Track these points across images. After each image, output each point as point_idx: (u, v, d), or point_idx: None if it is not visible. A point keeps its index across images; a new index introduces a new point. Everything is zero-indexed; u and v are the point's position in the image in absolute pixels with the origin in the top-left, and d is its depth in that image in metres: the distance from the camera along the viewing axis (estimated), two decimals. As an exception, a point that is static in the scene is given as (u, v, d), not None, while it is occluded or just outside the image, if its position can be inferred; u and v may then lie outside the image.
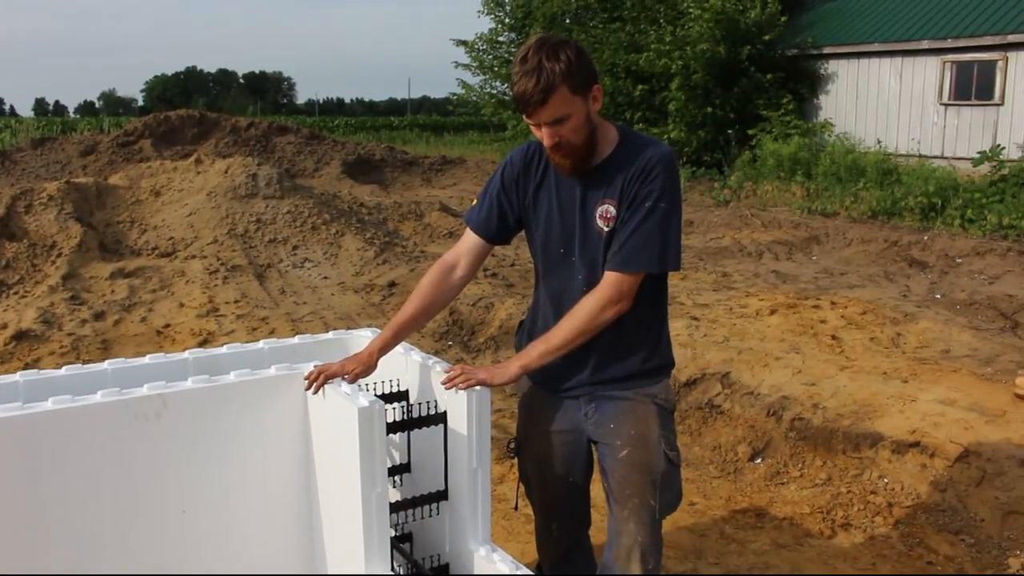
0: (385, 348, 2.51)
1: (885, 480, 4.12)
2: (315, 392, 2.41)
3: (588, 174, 2.36)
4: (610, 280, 2.31)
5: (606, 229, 2.34)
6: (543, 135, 2.27)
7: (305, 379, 2.44)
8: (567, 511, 2.68)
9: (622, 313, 2.32)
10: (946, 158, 14.35)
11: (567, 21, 21.97)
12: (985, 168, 12.14)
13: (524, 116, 2.26)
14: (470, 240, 2.55)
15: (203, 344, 6.15)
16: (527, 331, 2.62)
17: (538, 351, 2.35)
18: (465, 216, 2.62)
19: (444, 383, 2.34)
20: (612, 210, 2.33)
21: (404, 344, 2.72)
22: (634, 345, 2.44)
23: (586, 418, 2.50)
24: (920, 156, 14.52)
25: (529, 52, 2.19)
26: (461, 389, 2.31)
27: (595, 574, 2.61)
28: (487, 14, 23.82)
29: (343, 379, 2.39)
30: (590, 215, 2.38)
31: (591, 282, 2.40)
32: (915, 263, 8.63)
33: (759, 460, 4.51)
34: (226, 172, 9.94)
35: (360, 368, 2.43)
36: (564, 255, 2.45)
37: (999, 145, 12.84)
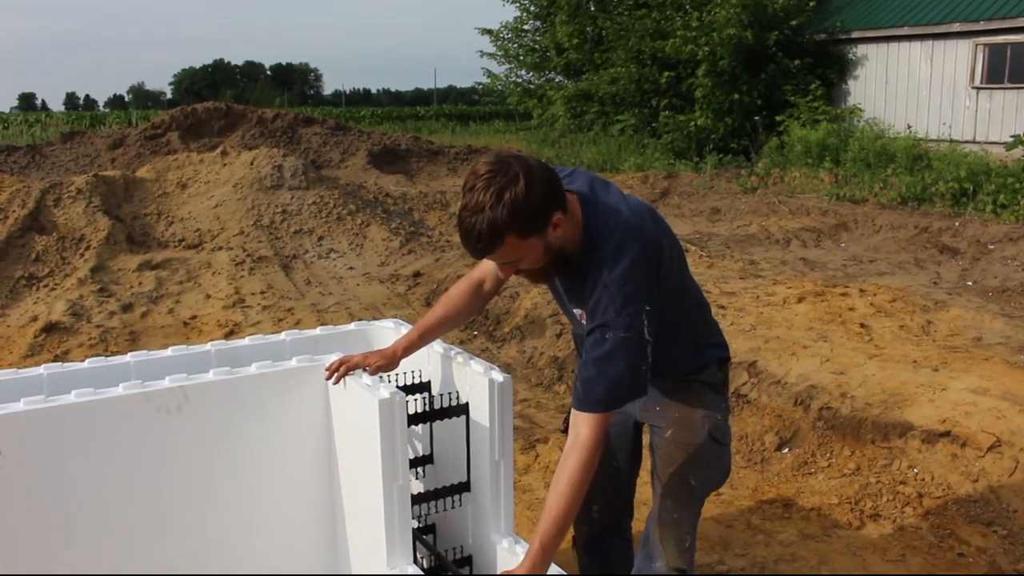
0: (410, 348, 2.49)
1: (915, 470, 4.06)
2: (335, 383, 2.40)
3: (562, 276, 2.25)
4: (581, 421, 2.11)
5: (586, 326, 2.19)
6: (499, 269, 2.18)
7: (326, 369, 2.44)
8: (609, 494, 2.64)
9: (600, 445, 2.11)
10: (978, 143, 14.13)
11: (592, 8, 21.84)
12: (1018, 152, 11.93)
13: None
14: (486, 265, 2.48)
15: (229, 335, 6.19)
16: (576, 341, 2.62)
17: (552, 545, 2.06)
18: None
19: None
20: (584, 314, 2.20)
21: (425, 335, 2.71)
22: (672, 354, 2.35)
23: (634, 401, 2.45)
24: (951, 141, 14.31)
25: (476, 186, 1.98)
26: None
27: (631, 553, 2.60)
28: (512, 2, 23.75)
29: (364, 371, 2.38)
30: (571, 309, 2.30)
31: None
32: (946, 249, 8.51)
33: (786, 450, 4.46)
34: (252, 164, 9.98)
35: (383, 362, 2.42)
36: (574, 320, 2.38)
37: (1033, 129, 12.63)
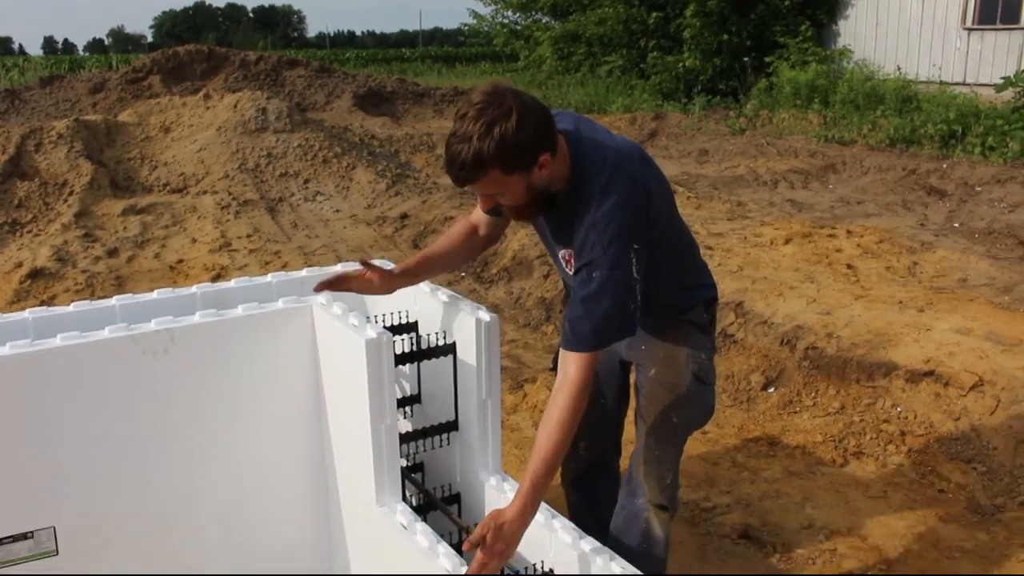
0: (406, 274, 2.42)
1: (898, 409, 4.11)
2: (317, 291, 2.32)
3: (548, 215, 2.22)
4: (569, 361, 2.10)
5: (570, 272, 2.22)
6: (478, 200, 2.16)
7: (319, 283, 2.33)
8: (596, 432, 2.65)
9: (589, 384, 2.12)
10: (968, 84, 14.05)
11: (579, -53, 21.46)
12: (1009, 94, 11.88)
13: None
14: (480, 213, 2.47)
15: (216, 279, 6.17)
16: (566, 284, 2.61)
17: (543, 483, 2.07)
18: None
19: None
20: (570, 258, 2.20)
21: (413, 275, 2.70)
22: (660, 294, 2.34)
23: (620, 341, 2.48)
24: (941, 83, 14.22)
25: (468, 114, 1.96)
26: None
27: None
28: (498, -59, 23.28)
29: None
30: (556, 252, 2.30)
31: None
32: (933, 191, 8.51)
33: (772, 389, 4.51)
34: (235, 107, 9.85)
35: (375, 277, 2.36)
36: (559, 263, 2.38)
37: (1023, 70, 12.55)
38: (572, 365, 2.10)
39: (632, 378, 2.59)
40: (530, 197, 2.10)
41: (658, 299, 2.32)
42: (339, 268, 2.92)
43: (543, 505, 2.23)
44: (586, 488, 2.75)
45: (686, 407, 2.41)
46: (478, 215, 2.48)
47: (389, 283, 2.39)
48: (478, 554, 1.97)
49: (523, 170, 2.02)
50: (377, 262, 2.89)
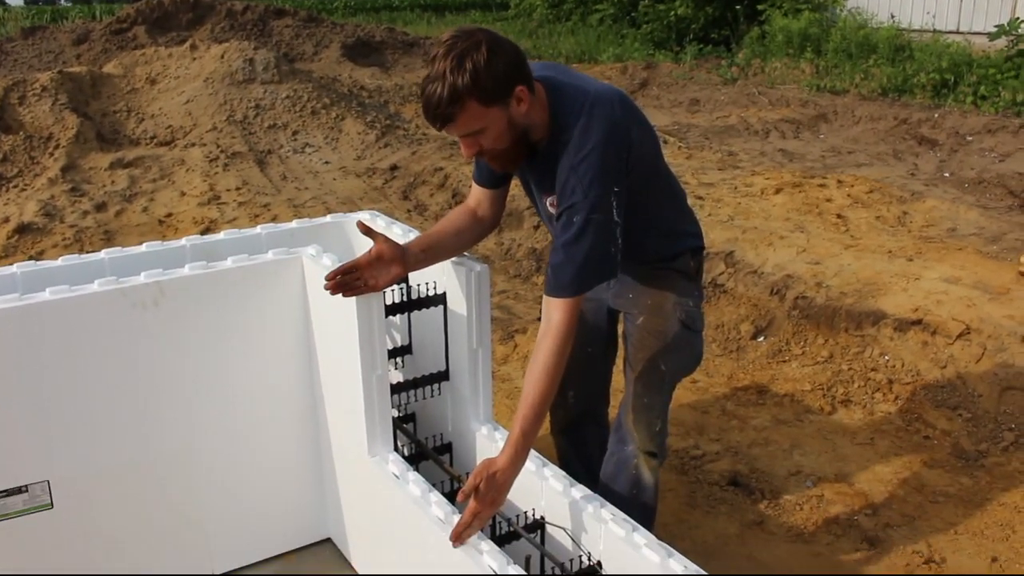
0: (413, 249, 2.31)
1: (886, 357, 4.15)
2: (333, 293, 2.22)
3: (531, 162, 2.22)
4: (552, 307, 2.11)
5: (555, 216, 2.19)
6: (461, 147, 2.11)
7: (326, 279, 2.22)
8: (584, 381, 2.67)
9: (573, 329, 2.12)
10: (962, 33, 13.93)
11: None
12: (1002, 42, 11.80)
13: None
14: (478, 189, 2.45)
15: (206, 232, 6.14)
16: None
17: (532, 431, 2.08)
18: (473, 176, 2.49)
19: (454, 542, 1.99)
20: (554, 205, 2.20)
21: (403, 226, 2.71)
22: (646, 242, 2.34)
23: (607, 288, 2.48)
24: (935, 31, 14.10)
25: (438, 54, 1.97)
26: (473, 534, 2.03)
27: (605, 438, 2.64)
28: None
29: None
30: (542, 199, 2.29)
31: None
32: (924, 141, 8.49)
33: (761, 338, 4.54)
34: (222, 58, 9.73)
35: (384, 250, 2.24)
36: (543, 212, 2.37)
37: (1018, 18, 12.44)
38: (556, 311, 2.10)
39: (620, 328, 2.60)
40: (512, 138, 2.09)
41: (644, 246, 2.33)
42: (328, 219, 2.91)
43: (533, 453, 2.25)
44: (575, 437, 2.77)
45: (674, 354, 2.42)
46: (475, 196, 2.45)
47: (401, 266, 2.28)
48: (471, 503, 1.99)
49: (500, 102, 2.01)
50: (366, 214, 2.89)
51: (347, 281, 2.19)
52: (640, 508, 2.46)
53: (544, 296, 2.15)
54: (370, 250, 2.22)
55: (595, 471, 2.62)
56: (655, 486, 2.50)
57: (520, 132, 2.10)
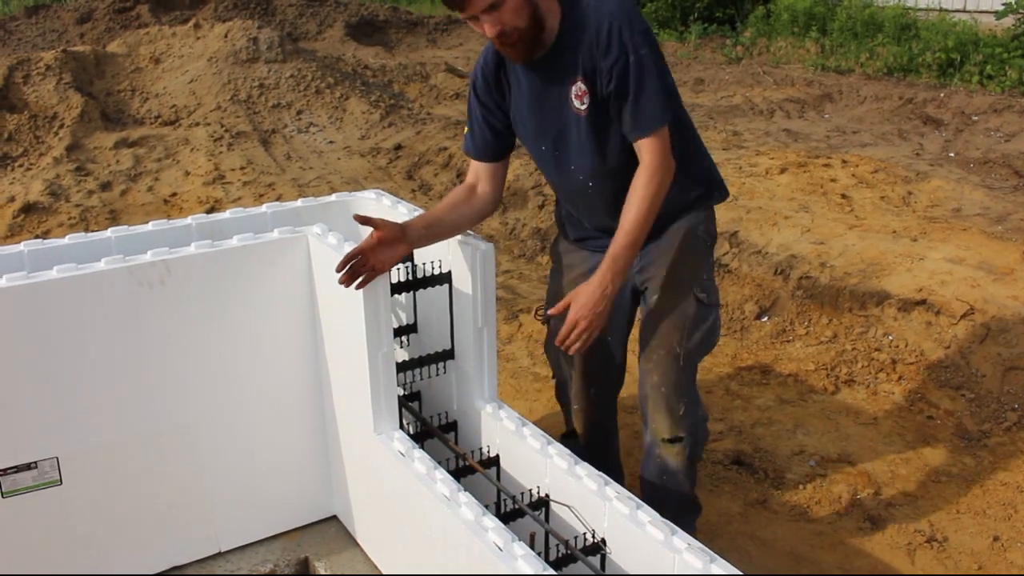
0: (416, 224, 2.32)
1: (890, 337, 4.15)
2: (347, 286, 2.22)
3: (546, 59, 2.24)
4: (644, 149, 2.18)
5: (583, 108, 2.24)
6: (484, 27, 2.12)
7: (338, 272, 2.21)
8: (605, 373, 2.66)
9: (670, 162, 2.20)
10: (968, 12, 13.83)
11: None
12: (1008, 21, 11.71)
13: (460, 13, 2.11)
14: (477, 167, 2.47)
15: (210, 211, 6.14)
16: (566, 221, 2.62)
17: (623, 254, 2.20)
18: (463, 148, 2.52)
19: (561, 345, 2.23)
20: (583, 87, 2.21)
21: (408, 205, 2.71)
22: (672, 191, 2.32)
23: (633, 270, 2.46)
24: (941, 10, 14.00)
25: None
26: (581, 347, 2.24)
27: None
28: None
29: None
30: (564, 101, 2.27)
31: (592, 169, 2.33)
32: (930, 121, 8.45)
33: (765, 318, 4.54)
34: (226, 36, 9.69)
35: (387, 233, 2.24)
36: (551, 152, 2.38)
37: (1025, -4, 12.35)
38: (647, 152, 2.14)
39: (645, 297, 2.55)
40: (528, 15, 2.13)
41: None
42: (333, 198, 2.92)
43: (538, 431, 2.27)
44: (597, 437, 2.77)
45: (690, 334, 2.40)
46: (473, 173, 2.48)
47: (404, 244, 2.28)
48: (571, 311, 2.19)
49: None
50: (371, 193, 2.89)
51: (354, 268, 2.19)
52: (671, 495, 2.44)
53: (639, 144, 2.18)
54: (370, 235, 2.22)
55: (620, 471, 2.72)
56: (683, 472, 2.46)
57: (535, 13, 2.15)
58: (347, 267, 2.18)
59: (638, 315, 2.59)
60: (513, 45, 2.17)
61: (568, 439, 2.81)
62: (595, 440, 2.77)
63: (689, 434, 2.43)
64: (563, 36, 2.20)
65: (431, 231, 2.35)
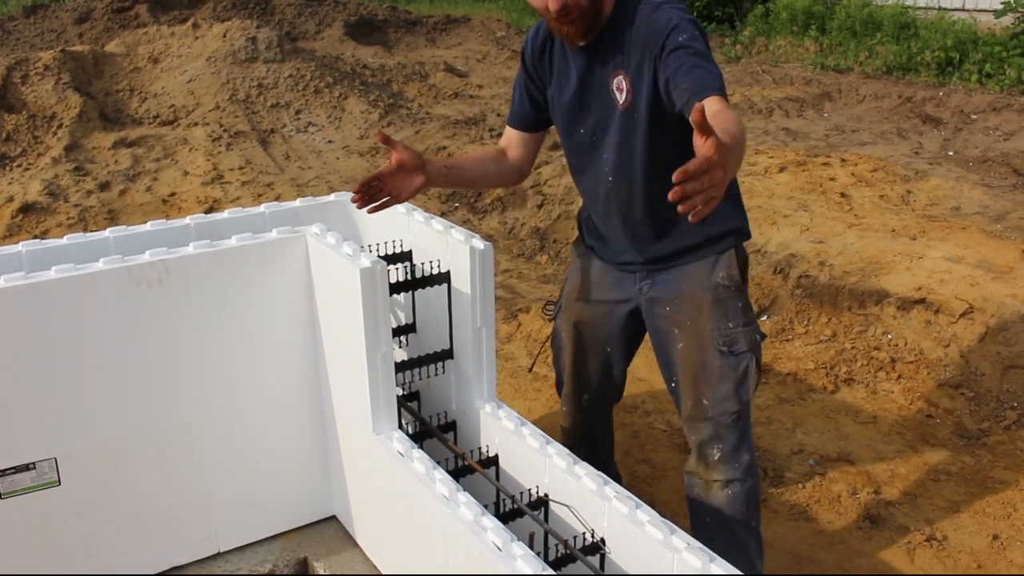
0: (432, 163, 2.31)
1: (889, 336, 4.15)
2: (360, 207, 2.23)
3: (596, 44, 2.18)
4: (708, 104, 1.80)
5: (621, 100, 2.17)
6: (547, 1, 2.06)
7: (354, 201, 2.21)
8: (600, 384, 2.62)
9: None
10: (967, 10, 13.83)
11: None
12: (1007, 20, 11.72)
13: None
14: (508, 133, 2.47)
15: (209, 211, 6.14)
16: (584, 224, 2.56)
17: (734, 140, 1.68)
18: (507, 118, 2.51)
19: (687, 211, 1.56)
20: (624, 83, 2.15)
21: (407, 204, 2.71)
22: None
23: (640, 293, 2.41)
24: (940, 8, 14.00)
25: None
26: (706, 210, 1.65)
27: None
28: None
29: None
30: (605, 88, 2.21)
31: (617, 165, 2.26)
32: (929, 119, 8.45)
33: (765, 317, 4.54)
34: (225, 36, 9.68)
35: (405, 158, 2.23)
36: (588, 139, 2.31)
37: (1024, -6, 12.35)
38: (714, 105, 1.82)
39: (662, 342, 2.44)
40: None
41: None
42: (332, 197, 2.91)
43: (537, 431, 2.27)
44: (587, 443, 2.74)
45: (716, 386, 2.31)
46: (506, 138, 2.49)
47: (423, 175, 2.27)
48: (708, 147, 1.52)
49: None
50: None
51: (371, 192, 2.20)
52: (718, 536, 2.36)
53: (695, 104, 1.72)
54: (390, 159, 2.22)
55: (613, 474, 2.68)
56: (735, 507, 2.38)
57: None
58: (365, 189, 2.18)
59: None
60: (572, 22, 2.11)
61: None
62: (579, 443, 2.72)
63: (732, 476, 2.36)
64: (614, 23, 2.14)
65: (451, 173, 2.38)
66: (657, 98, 2.09)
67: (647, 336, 2.53)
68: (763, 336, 2.38)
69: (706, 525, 2.42)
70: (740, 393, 2.33)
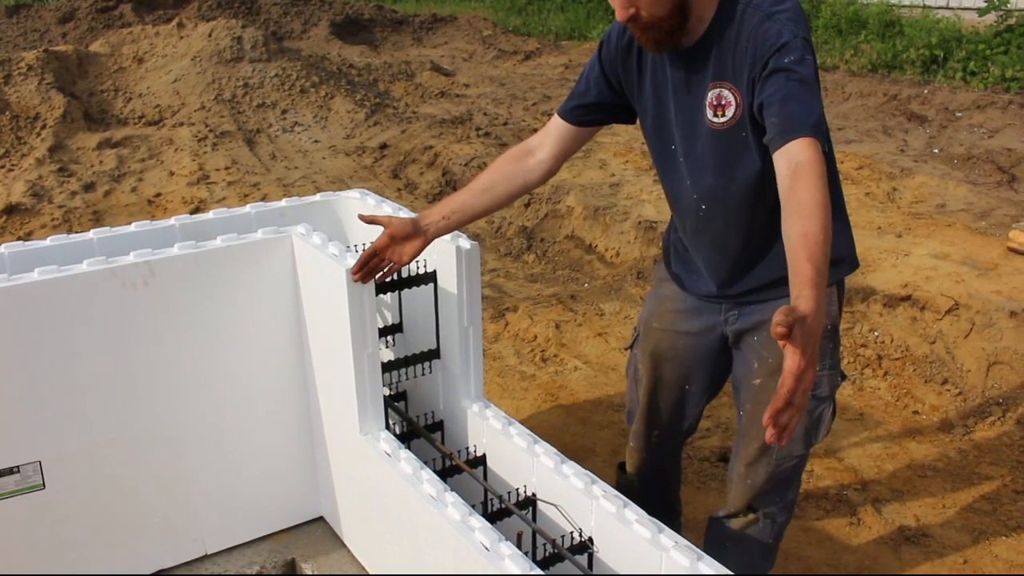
0: (427, 219, 2.18)
1: (875, 333, 4.17)
2: (364, 282, 2.19)
3: (692, 51, 1.94)
4: (794, 149, 1.72)
5: (717, 121, 1.94)
6: (616, 6, 1.86)
7: (352, 272, 2.17)
8: (673, 422, 2.40)
9: (824, 165, 1.74)
10: (951, 8, 13.90)
11: None
12: (991, 18, 11.78)
13: None
14: (554, 123, 2.22)
15: (195, 212, 6.10)
16: (672, 247, 2.32)
17: (816, 270, 1.57)
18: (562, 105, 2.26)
19: (771, 430, 1.47)
20: (729, 96, 1.91)
21: (392, 204, 2.70)
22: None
23: (726, 323, 2.20)
24: (925, 7, 14.07)
25: None
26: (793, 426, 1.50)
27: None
28: None
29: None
30: (696, 103, 1.97)
31: (699, 187, 2.04)
32: (914, 117, 8.49)
33: (751, 316, 4.55)
34: (210, 36, 9.64)
35: (407, 236, 2.14)
36: (670, 151, 2.09)
37: (1006, -8, 12.43)
38: (802, 150, 1.70)
39: (740, 370, 2.24)
40: (671, 6, 1.84)
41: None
42: (317, 197, 2.90)
43: (524, 430, 2.26)
44: (656, 482, 2.56)
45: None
46: (546, 131, 2.24)
47: (420, 238, 2.16)
48: (790, 363, 1.44)
49: None
50: (355, 192, 2.88)
51: (372, 267, 2.15)
52: (731, 559, 2.18)
53: (776, 148, 1.76)
54: (382, 234, 2.15)
55: (676, 508, 2.58)
56: (757, 536, 2.30)
57: (681, 3, 1.86)
58: (363, 266, 2.14)
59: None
60: (644, 31, 1.90)
61: (623, 472, 2.62)
62: (648, 483, 2.55)
63: (769, 513, 2.28)
64: (718, 27, 1.89)
65: (455, 219, 2.19)
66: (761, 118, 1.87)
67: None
68: (844, 377, 2.22)
69: (725, 549, 2.33)
70: (809, 438, 2.19)
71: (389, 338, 2.74)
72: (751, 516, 2.31)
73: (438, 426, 2.62)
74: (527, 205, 6.01)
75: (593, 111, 2.20)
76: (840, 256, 2.07)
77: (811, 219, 1.62)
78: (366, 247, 2.55)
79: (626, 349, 2.62)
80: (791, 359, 1.43)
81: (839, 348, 2.16)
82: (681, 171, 2.08)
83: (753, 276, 2.11)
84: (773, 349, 2.09)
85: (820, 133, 1.74)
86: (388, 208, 2.69)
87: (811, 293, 1.53)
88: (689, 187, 2.07)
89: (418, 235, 2.16)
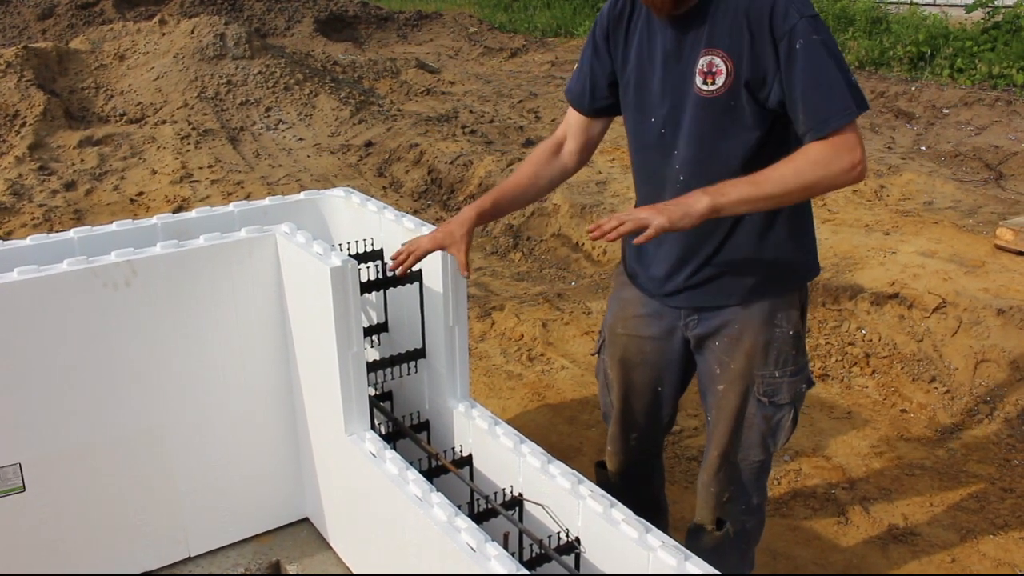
0: (483, 216, 2.19)
1: (863, 331, 4.16)
2: (401, 273, 2.24)
3: (684, 18, 1.88)
4: (823, 151, 1.77)
5: (706, 88, 1.88)
6: None
7: (392, 259, 2.24)
8: (650, 423, 2.37)
9: (859, 177, 1.79)
10: (938, 5, 13.96)
11: None
12: (978, 15, 11.83)
13: None
14: (571, 116, 2.22)
15: (178, 211, 6.06)
16: (628, 244, 2.25)
17: (738, 192, 1.78)
18: (566, 90, 2.25)
19: (592, 234, 1.81)
20: (720, 64, 1.85)
21: (377, 203, 2.67)
22: (768, 235, 2.01)
23: (686, 328, 2.16)
24: (912, 3, 14.12)
25: None
26: (612, 239, 1.80)
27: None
28: None
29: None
30: (686, 71, 1.91)
31: (690, 162, 1.98)
32: (901, 114, 8.51)
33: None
34: (192, 33, 9.57)
35: (446, 239, 2.18)
36: (649, 122, 2.03)
37: (992, -10, 12.48)
38: (849, 151, 1.75)
39: (704, 376, 2.22)
40: None
41: (766, 241, 2.01)
42: (302, 196, 2.87)
43: (510, 431, 2.24)
44: (638, 477, 2.51)
45: (744, 437, 2.16)
46: (565, 127, 2.24)
47: (464, 234, 2.17)
48: (641, 210, 1.81)
49: None
50: (340, 191, 2.84)
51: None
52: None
53: (815, 142, 1.78)
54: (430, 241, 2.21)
55: (662, 506, 2.56)
56: (716, 554, 2.26)
57: None
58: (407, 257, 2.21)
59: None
60: None
61: (603, 469, 2.56)
62: (630, 484, 2.50)
63: (737, 520, 2.28)
64: (703, 6, 1.86)
65: (502, 204, 2.24)
66: (760, 87, 1.85)
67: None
68: (811, 384, 2.19)
69: (702, 557, 2.32)
70: (767, 444, 2.18)
71: (374, 337, 2.71)
72: (720, 533, 2.30)
73: (424, 426, 2.59)
74: (513, 203, 5.99)
75: (597, 97, 2.16)
76: (802, 262, 2.11)
77: (792, 166, 1.78)
78: (349, 246, 2.54)
79: (593, 355, 2.61)
80: (642, 210, 1.79)
81: (804, 355, 2.14)
82: (661, 143, 2.02)
83: (724, 275, 2.06)
84: (734, 354, 2.10)
85: (848, 116, 1.76)
86: (372, 207, 2.65)
87: (702, 192, 1.79)
88: (670, 159, 2.01)
89: (462, 240, 2.17)
